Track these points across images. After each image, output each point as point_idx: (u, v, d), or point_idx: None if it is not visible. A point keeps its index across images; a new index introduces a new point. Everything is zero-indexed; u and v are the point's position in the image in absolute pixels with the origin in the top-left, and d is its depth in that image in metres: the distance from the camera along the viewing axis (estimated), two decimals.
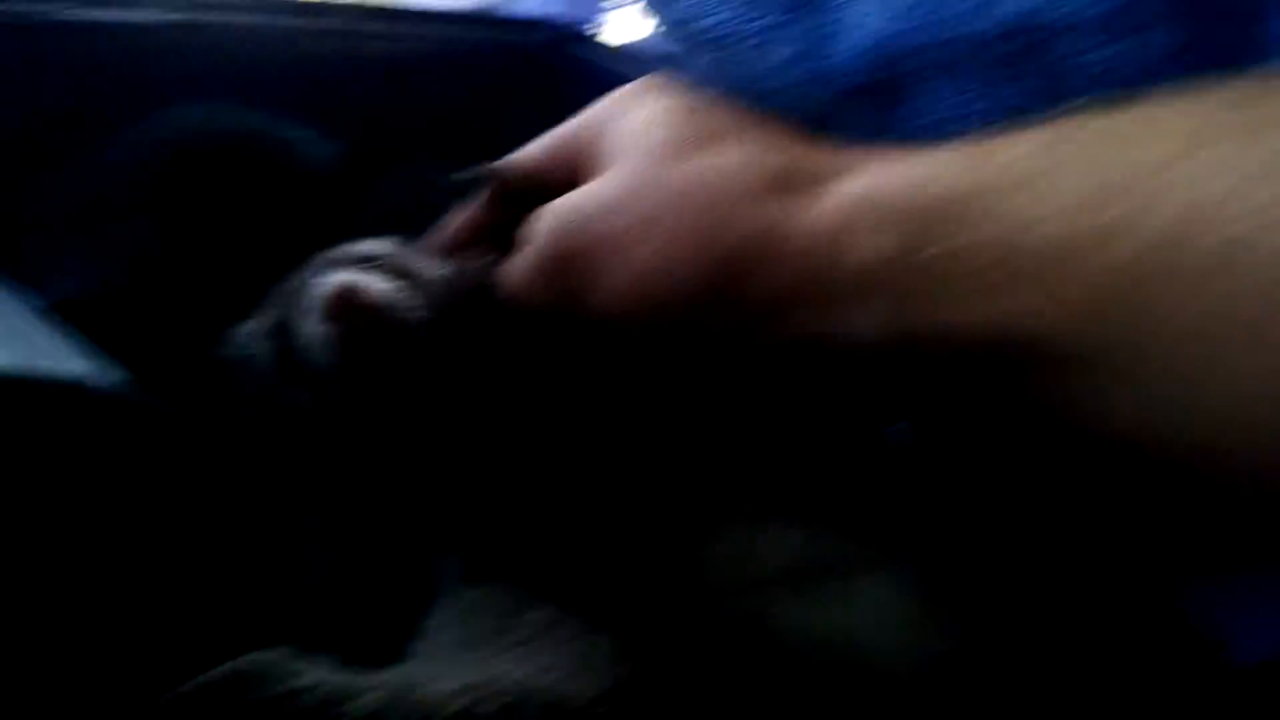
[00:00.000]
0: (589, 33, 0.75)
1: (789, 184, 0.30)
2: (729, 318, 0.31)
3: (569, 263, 0.33)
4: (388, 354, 0.38)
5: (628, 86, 0.37)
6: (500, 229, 0.39)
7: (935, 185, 0.27)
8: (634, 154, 0.33)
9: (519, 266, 0.36)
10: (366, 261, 0.42)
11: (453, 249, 0.42)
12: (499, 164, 0.39)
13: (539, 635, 0.34)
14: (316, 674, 0.27)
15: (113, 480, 0.33)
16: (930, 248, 0.26)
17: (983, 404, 0.30)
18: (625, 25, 0.83)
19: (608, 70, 0.70)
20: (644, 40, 0.76)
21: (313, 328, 0.38)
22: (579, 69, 0.72)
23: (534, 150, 0.40)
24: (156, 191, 0.47)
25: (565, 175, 0.37)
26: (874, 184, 0.29)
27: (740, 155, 0.31)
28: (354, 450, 0.39)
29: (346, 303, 0.36)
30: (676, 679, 0.34)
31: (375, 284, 0.38)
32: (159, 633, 0.33)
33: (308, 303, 0.37)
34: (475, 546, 0.40)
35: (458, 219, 0.42)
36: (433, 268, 0.43)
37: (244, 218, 0.50)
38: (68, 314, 0.38)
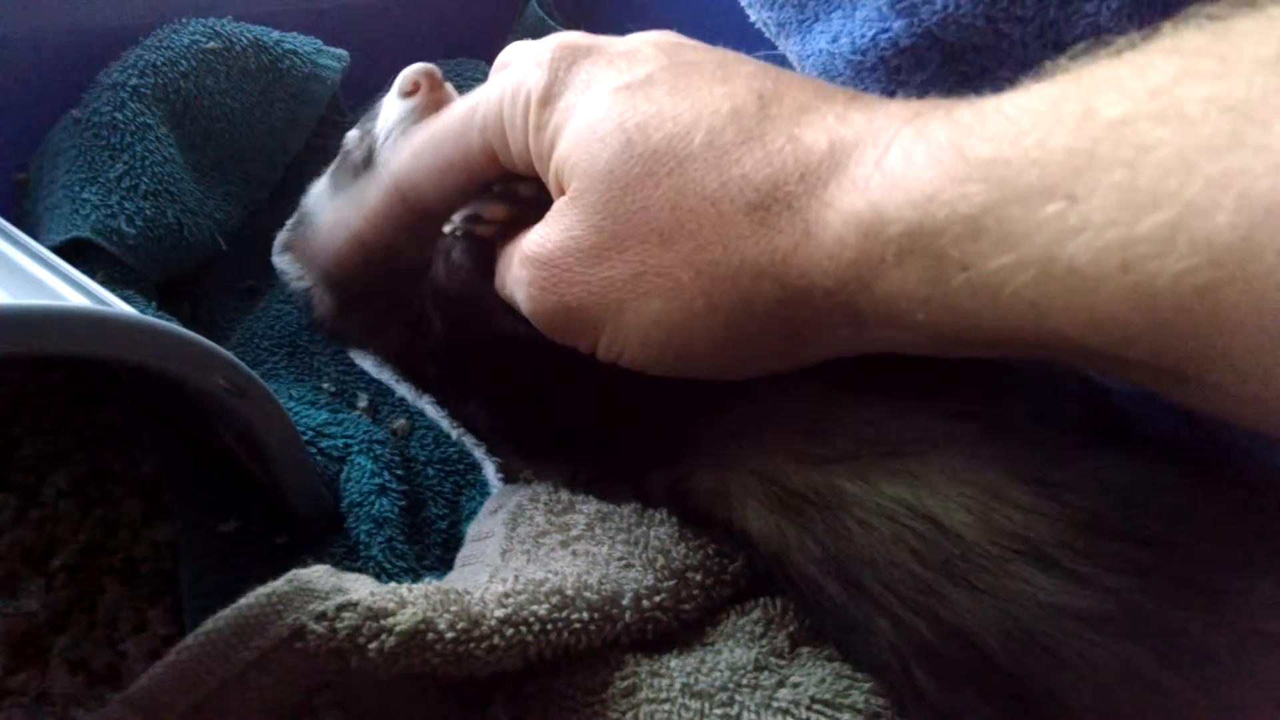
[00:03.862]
0: None
1: (777, 204, 0.27)
2: (756, 352, 0.30)
3: (566, 321, 0.31)
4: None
5: (565, 43, 0.33)
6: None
7: (947, 200, 0.24)
8: (593, 178, 0.30)
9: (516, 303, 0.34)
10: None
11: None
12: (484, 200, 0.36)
13: (585, 533, 0.33)
14: (360, 589, 0.27)
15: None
16: (958, 275, 0.24)
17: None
18: None
19: None
20: None
21: None
22: None
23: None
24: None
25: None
26: (874, 202, 0.25)
27: (712, 177, 0.28)
28: None
29: None
30: (738, 562, 0.33)
31: None
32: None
33: None
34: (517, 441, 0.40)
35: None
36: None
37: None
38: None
